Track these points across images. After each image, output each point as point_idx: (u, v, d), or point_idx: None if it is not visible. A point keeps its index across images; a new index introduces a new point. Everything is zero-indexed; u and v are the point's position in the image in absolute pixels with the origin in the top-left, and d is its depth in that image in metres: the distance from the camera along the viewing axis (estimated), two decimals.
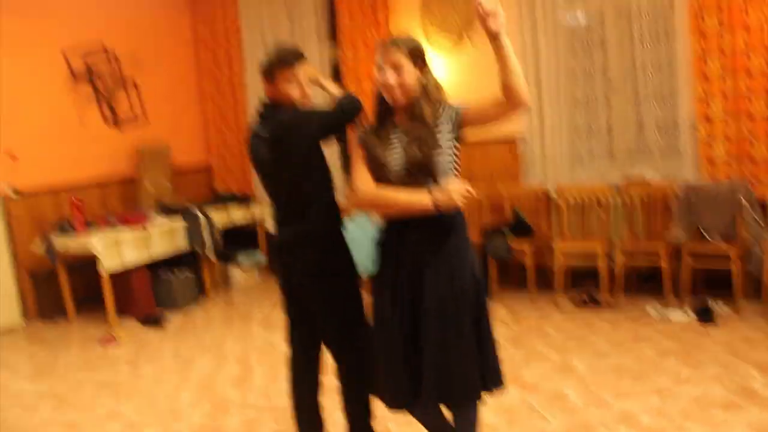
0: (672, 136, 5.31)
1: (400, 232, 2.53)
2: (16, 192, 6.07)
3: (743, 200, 4.77)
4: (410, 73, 2.45)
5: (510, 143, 5.93)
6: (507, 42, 2.26)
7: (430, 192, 2.36)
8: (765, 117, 4.79)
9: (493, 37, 2.25)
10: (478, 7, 2.20)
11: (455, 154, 2.51)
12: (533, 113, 5.71)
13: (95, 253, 5.52)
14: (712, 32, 4.88)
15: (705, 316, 4.63)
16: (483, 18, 2.21)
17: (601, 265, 5.16)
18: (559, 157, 5.74)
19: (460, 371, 2.44)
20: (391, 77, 2.44)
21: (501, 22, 2.22)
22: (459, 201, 2.33)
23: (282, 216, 2.99)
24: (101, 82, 6.78)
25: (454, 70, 6.12)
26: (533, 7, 5.63)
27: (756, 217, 4.75)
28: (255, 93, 7.33)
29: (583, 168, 5.72)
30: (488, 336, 2.55)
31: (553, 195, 5.71)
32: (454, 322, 2.46)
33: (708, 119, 4.99)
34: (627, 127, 5.52)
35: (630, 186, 5.37)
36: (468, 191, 2.33)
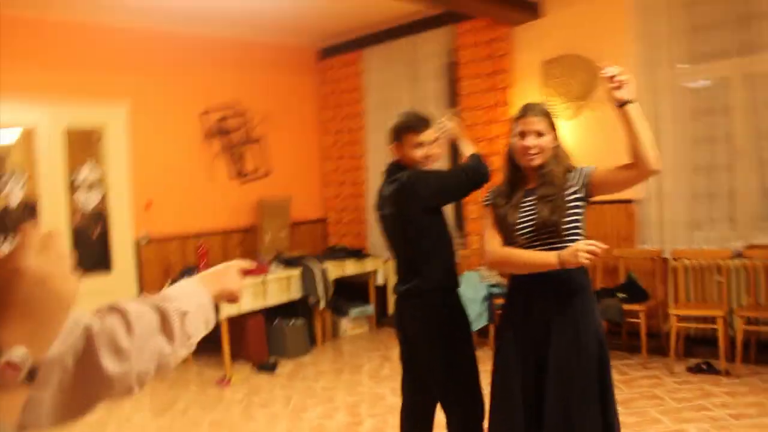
0: None
1: (528, 292, 2.61)
2: (147, 238, 6.53)
3: None
4: (549, 139, 2.60)
5: (626, 205, 5.86)
6: (635, 111, 2.32)
7: (557, 252, 2.42)
8: None
9: (621, 106, 2.31)
10: (607, 76, 2.30)
11: (582, 217, 2.56)
12: (652, 177, 5.62)
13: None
14: None
15: None
16: (613, 87, 2.30)
17: (720, 332, 4.96)
18: (677, 222, 5.60)
19: None
20: (533, 142, 2.57)
21: (631, 91, 2.31)
22: (584, 258, 2.35)
23: (401, 271, 3.13)
24: (230, 138, 7.25)
25: (571, 135, 6.15)
26: (656, 73, 5.61)
27: None
28: (373, 152, 7.60)
29: (702, 233, 5.56)
30: (611, 400, 2.54)
31: (669, 259, 5.57)
32: (579, 384, 2.47)
33: None
34: (751, 193, 5.36)
35: (753, 251, 5.18)
36: (594, 248, 2.35)
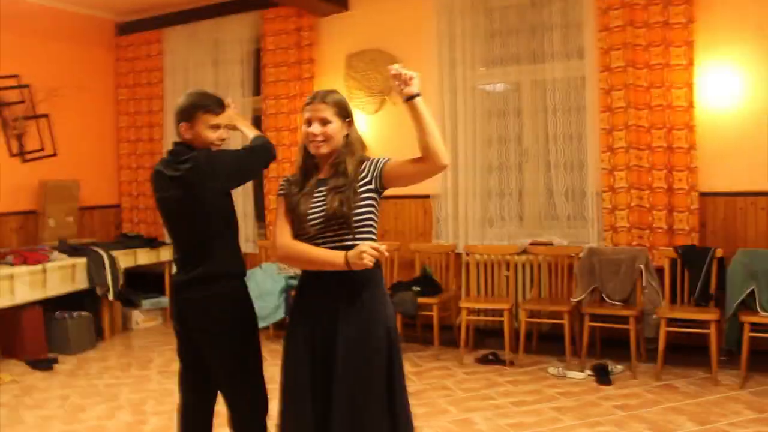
0: (579, 204, 5.52)
1: (316, 285, 2.55)
2: None
3: (642, 266, 4.98)
4: (336, 127, 2.53)
5: (423, 200, 6.03)
6: (423, 106, 2.35)
7: (344, 252, 2.38)
8: (664, 189, 5.06)
9: (408, 100, 2.33)
10: (394, 72, 2.33)
11: (375, 209, 2.53)
12: (448, 173, 5.83)
13: None
14: (619, 110, 5.16)
15: (602, 376, 4.75)
16: (399, 83, 2.34)
17: (506, 324, 5.24)
18: (470, 218, 5.86)
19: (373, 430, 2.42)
20: (318, 129, 2.51)
21: (416, 87, 2.34)
22: (369, 262, 2.34)
23: (183, 257, 2.92)
24: (10, 111, 6.55)
25: (375, 129, 6.22)
26: (454, 74, 5.81)
27: (653, 283, 4.97)
28: (172, 136, 7.18)
29: (493, 230, 5.85)
30: (401, 394, 2.53)
31: (463, 253, 5.80)
32: (366, 379, 2.44)
33: (612, 189, 5.23)
34: (537, 193, 5.71)
35: (537, 248, 5.52)
36: (378, 251, 2.34)
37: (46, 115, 6.86)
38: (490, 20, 5.72)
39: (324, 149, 2.52)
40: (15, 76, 6.58)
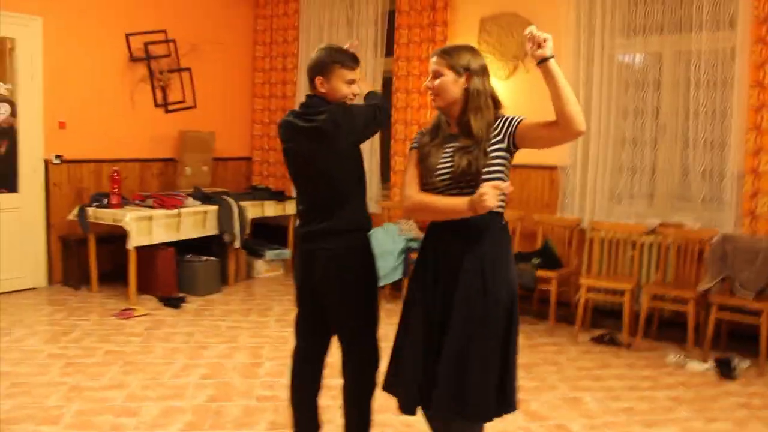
0: (717, 186, 5.18)
1: (440, 236, 2.54)
2: (59, 158, 6.22)
3: None
4: (448, 80, 2.48)
5: (550, 171, 5.87)
6: (557, 69, 2.27)
7: (468, 197, 2.33)
8: None
9: (542, 62, 2.26)
10: (528, 35, 2.26)
11: (505, 168, 2.48)
12: (578, 145, 5.64)
13: (126, 227, 5.61)
14: None
15: (725, 370, 4.48)
16: (533, 45, 2.27)
17: (626, 306, 5.05)
18: (598, 193, 5.65)
19: (479, 388, 2.40)
20: (429, 84, 2.52)
21: (549, 49, 2.26)
22: (491, 202, 2.25)
23: (312, 209, 2.95)
24: (157, 65, 6.92)
25: (507, 95, 6.07)
26: (591, 41, 5.57)
27: None
28: (305, 93, 7.38)
29: (622, 207, 5.61)
30: (513, 357, 2.49)
31: (587, 229, 5.62)
32: (482, 335, 2.41)
33: (755, 172, 4.86)
34: (672, 172, 5.42)
35: (667, 230, 5.26)
36: (499, 188, 2.26)
37: (188, 69, 7.19)
38: None
39: (439, 102, 2.51)
40: (163, 31, 6.94)
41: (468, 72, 2.49)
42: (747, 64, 4.90)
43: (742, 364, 4.59)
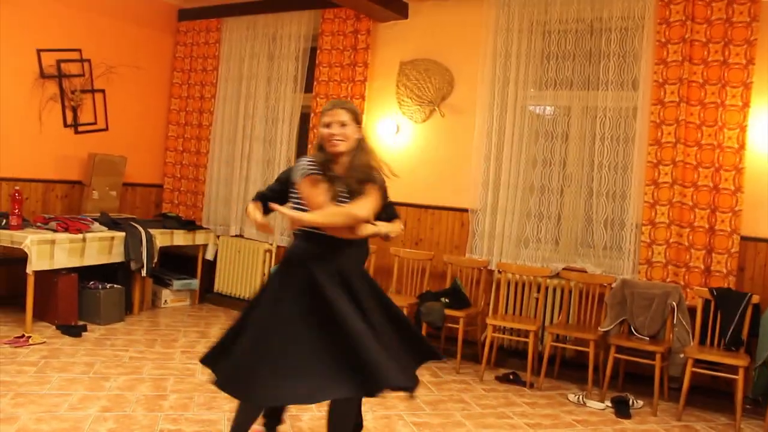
0: (617, 234, 5.46)
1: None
2: None
3: (674, 303, 4.93)
4: (352, 130, 3.04)
5: (462, 213, 6.04)
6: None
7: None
8: (705, 229, 5.00)
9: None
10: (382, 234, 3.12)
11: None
12: (488, 190, 5.85)
13: (26, 250, 5.37)
14: (668, 144, 5.12)
15: (622, 409, 4.70)
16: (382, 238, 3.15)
17: (530, 345, 5.22)
18: (506, 236, 5.84)
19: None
20: (338, 131, 3.01)
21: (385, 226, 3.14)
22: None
23: None
24: (70, 84, 6.73)
25: (422, 138, 6.27)
26: (505, 92, 5.81)
27: (684, 322, 4.91)
28: (220, 123, 7.38)
29: (528, 250, 5.83)
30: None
31: (495, 271, 5.80)
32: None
33: (652, 223, 5.18)
34: (576, 219, 5.68)
35: (570, 274, 5.49)
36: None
37: (102, 91, 7.03)
38: (547, 43, 5.71)
39: (342, 147, 2.99)
40: (78, 50, 6.77)
41: (360, 124, 3.10)
42: (647, 123, 5.25)
43: (637, 403, 4.84)
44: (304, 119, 6.93)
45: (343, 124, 2.99)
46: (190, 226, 7.05)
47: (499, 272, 5.75)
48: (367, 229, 3.03)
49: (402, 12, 6.28)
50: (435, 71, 6.19)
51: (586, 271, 5.48)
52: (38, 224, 5.86)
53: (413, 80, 6.32)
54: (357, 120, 3.05)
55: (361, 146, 3.07)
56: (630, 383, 5.19)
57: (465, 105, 6.04)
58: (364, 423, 3.53)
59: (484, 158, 5.89)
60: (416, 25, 6.33)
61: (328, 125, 3.01)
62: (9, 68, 6.25)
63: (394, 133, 6.36)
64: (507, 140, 5.82)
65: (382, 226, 3.11)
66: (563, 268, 5.58)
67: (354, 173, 3.02)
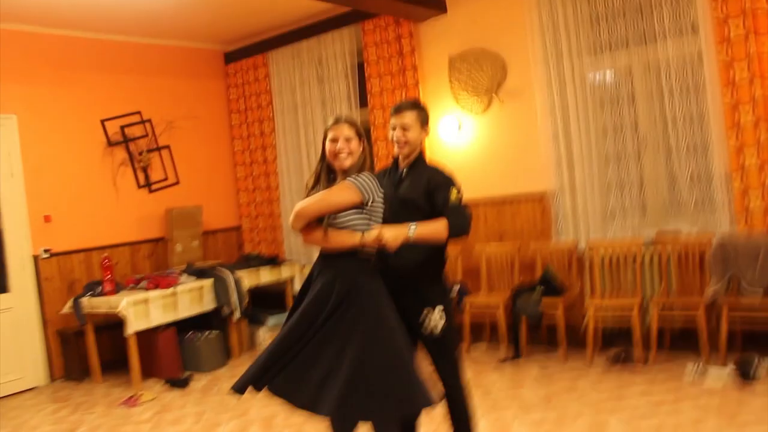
0: (706, 189, 5.16)
1: None
2: (48, 251, 6.16)
3: None
4: (356, 143, 3.01)
5: (541, 199, 5.84)
6: (422, 232, 2.92)
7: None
8: None
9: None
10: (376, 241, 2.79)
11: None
12: (563, 169, 5.64)
13: (122, 314, 5.52)
14: (743, 82, 4.79)
15: (746, 373, 4.39)
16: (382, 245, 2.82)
17: (635, 322, 4.97)
18: (590, 213, 5.61)
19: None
20: (343, 146, 2.97)
21: (394, 238, 2.81)
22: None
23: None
24: (135, 146, 6.93)
25: (483, 129, 6.12)
26: (561, 65, 5.61)
27: None
28: (284, 155, 7.45)
29: (616, 223, 5.58)
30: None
31: (585, 252, 5.57)
32: None
33: (743, 170, 4.85)
34: (659, 182, 5.40)
35: (663, 240, 5.22)
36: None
37: (167, 146, 7.21)
38: (593, 5, 5.47)
39: (349, 161, 2.95)
40: (137, 112, 6.98)
41: (362, 138, 3.05)
42: (715, 65, 4.93)
43: (762, 362, 4.51)
44: (366, 134, 6.88)
45: (348, 139, 2.96)
46: (274, 261, 7.11)
47: (590, 251, 5.53)
48: (316, 240, 2.90)
49: (440, 7, 6.18)
50: (485, 59, 6.04)
51: (680, 234, 5.19)
52: (130, 286, 6.04)
53: (465, 73, 6.19)
54: (360, 133, 3.01)
55: (365, 160, 3.03)
56: (750, 343, 4.86)
57: (522, 87, 5.86)
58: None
59: (553, 137, 5.69)
60: (457, 17, 6.21)
61: (333, 140, 2.98)
62: (78, 142, 6.52)
63: (457, 129, 6.24)
64: (572, 114, 5.60)
65: (349, 236, 2.84)
66: (656, 234, 5.30)
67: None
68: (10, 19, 5.93)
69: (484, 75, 6.06)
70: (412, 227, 2.88)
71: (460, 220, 3.01)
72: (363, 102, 6.88)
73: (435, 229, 2.95)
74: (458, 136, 6.25)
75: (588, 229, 5.63)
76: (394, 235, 2.80)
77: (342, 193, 2.86)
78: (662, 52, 5.20)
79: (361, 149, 2.99)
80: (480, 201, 5.97)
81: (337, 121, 3.00)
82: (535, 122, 5.76)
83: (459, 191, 3.10)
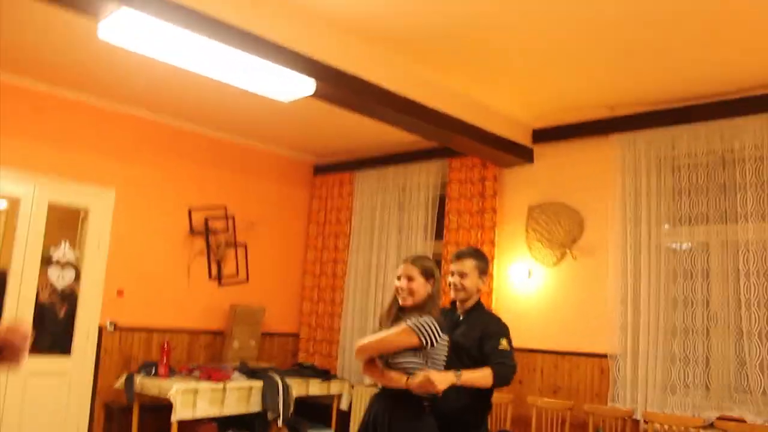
0: None
1: None
2: (113, 325, 6.37)
3: None
4: (419, 284, 3.19)
5: (600, 361, 5.76)
6: (468, 378, 3.10)
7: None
8: None
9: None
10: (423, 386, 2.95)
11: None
12: (627, 334, 5.58)
13: (171, 399, 5.60)
14: None
15: None
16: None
17: None
18: (650, 384, 5.47)
19: None
20: (403, 284, 3.18)
21: (443, 382, 2.97)
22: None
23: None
24: (215, 239, 7.23)
25: (554, 281, 6.16)
26: (638, 231, 5.66)
27: None
28: (354, 273, 7.58)
29: (676, 397, 5.42)
30: None
31: (641, 420, 5.41)
32: None
33: None
34: (726, 363, 5.26)
35: (725, 427, 5.02)
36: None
37: (244, 244, 7.48)
38: (677, 178, 5.57)
39: (409, 301, 3.13)
40: (224, 207, 7.32)
41: (432, 279, 3.29)
42: None
43: None
44: (437, 266, 6.98)
45: (410, 278, 3.15)
46: (326, 375, 7.12)
47: (646, 422, 5.36)
48: (373, 375, 3.18)
49: (527, 157, 6.40)
50: (564, 214, 6.17)
51: (744, 421, 5.00)
52: (183, 372, 6.15)
53: (542, 224, 6.31)
54: (427, 274, 3.18)
55: (425, 303, 3.17)
56: None
57: (597, 246, 5.93)
58: None
59: (621, 300, 5.67)
60: (542, 169, 6.41)
61: (398, 278, 3.20)
62: (165, 226, 6.85)
63: (527, 277, 6.30)
64: (644, 281, 5.59)
65: (399, 378, 3.07)
66: (717, 418, 5.12)
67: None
68: (124, 101, 6.43)
69: (560, 229, 6.17)
70: (459, 374, 3.03)
71: (505, 371, 3.20)
72: (439, 235, 7.02)
73: (481, 377, 3.14)
74: (527, 284, 6.30)
75: (646, 399, 5.47)
76: (440, 379, 2.96)
77: (399, 336, 3.05)
78: (742, 233, 5.20)
79: (426, 290, 3.15)
80: (539, 352, 5.93)
81: (405, 260, 3.25)
82: (605, 282, 5.78)
83: (510, 342, 3.26)
